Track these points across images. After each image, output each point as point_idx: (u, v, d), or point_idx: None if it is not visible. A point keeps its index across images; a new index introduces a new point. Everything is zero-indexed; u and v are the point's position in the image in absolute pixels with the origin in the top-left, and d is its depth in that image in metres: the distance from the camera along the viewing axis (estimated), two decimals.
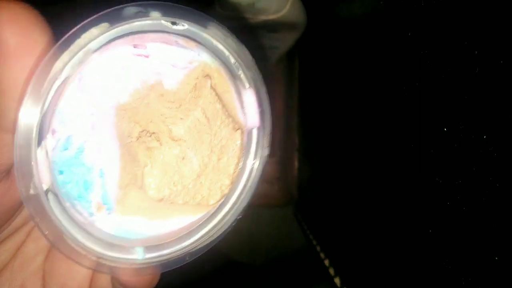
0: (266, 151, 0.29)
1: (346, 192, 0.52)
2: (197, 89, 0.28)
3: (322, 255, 0.62)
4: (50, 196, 0.23)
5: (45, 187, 0.23)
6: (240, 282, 0.80)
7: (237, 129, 0.29)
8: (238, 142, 0.29)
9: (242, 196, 0.29)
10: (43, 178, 0.23)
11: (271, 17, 0.60)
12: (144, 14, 0.24)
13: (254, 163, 0.29)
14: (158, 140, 0.28)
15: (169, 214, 0.29)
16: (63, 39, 0.22)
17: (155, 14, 0.24)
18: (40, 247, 0.29)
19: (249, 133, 0.28)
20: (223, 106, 0.28)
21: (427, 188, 0.30)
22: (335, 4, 0.55)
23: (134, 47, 0.26)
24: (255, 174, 0.29)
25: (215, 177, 0.29)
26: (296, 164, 0.85)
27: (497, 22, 0.22)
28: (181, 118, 0.28)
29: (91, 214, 0.26)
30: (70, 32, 0.22)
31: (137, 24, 0.24)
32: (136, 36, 0.24)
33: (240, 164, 0.29)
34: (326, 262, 0.60)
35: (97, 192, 0.26)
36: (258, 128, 0.28)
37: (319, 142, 0.68)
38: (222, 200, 0.29)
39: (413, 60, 0.31)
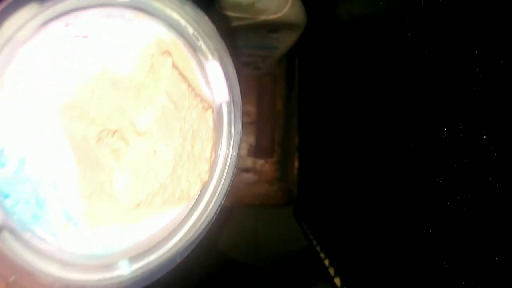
0: (240, 126, 0.26)
1: (346, 192, 0.52)
2: (155, 70, 0.24)
3: (322, 255, 0.62)
4: (5, 235, 0.20)
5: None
6: (240, 282, 0.80)
7: (207, 109, 0.26)
8: (210, 122, 0.26)
9: (223, 180, 0.26)
10: None
11: (271, 17, 0.60)
12: None
13: (230, 142, 0.26)
14: (123, 139, 0.24)
15: (146, 216, 0.25)
16: None
17: None
18: None
19: (219, 109, 0.26)
20: (189, 85, 0.25)
21: (427, 188, 0.30)
22: (335, 4, 0.54)
23: (66, 26, 0.20)
24: (233, 153, 0.26)
25: (192, 166, 0.26)
26: (296, 164, 0.85)
27: (497, 22, 0.22)
28: (143, 108, 0.24)
29: (55, 235, 0.22)
30: None
31: (66, 3, 0.19)
32: (71, 14, 0.20)
33: (218, 147, 0.26)
34: (326, 262, 0.60)
35: (54, 208, 0.22)
36: (228, 103, 0.26)
37: (319, 142, 0.68)
38: (201, 189, 0.26)
39: (413, 60, 0.31)
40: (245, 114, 0.85)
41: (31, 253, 0.20)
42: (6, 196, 0.21)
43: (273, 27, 0.64)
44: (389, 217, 0.38)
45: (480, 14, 0.24)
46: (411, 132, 0.33)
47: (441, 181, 0.28)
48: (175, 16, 0.23)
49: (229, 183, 0.26)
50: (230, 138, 0.26)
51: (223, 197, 0.26)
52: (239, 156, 0.26)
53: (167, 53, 0.24)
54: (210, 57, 0.24)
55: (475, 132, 0.24)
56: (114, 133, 0.24)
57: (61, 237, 0.22)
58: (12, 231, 0.20)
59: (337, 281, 0.54)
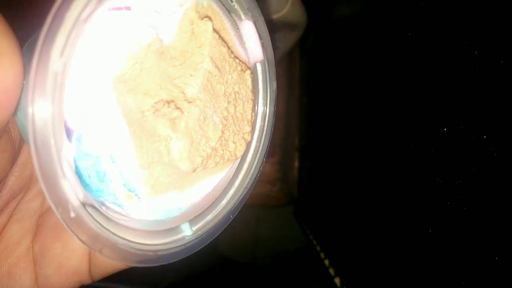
0: (274, 84, 0.27)
1: (346, 192, 0.52)
2: (196, 35, 0.24)
3: (322, 255, 0.62)
4: (91, 211, 0.20)
5: (81, 202, 0.19)
6: (240, 282, 0.80)
7: (246, 70, 0.26)
8: (249, 83, 0.26)
9: (263, 138, 0.27)
10: (78, 193, 0.19)
11: (271, 17, 0.60)
12: None
13: (266, 101, 0.26)
14: (177, 108, 0.24)
15: (199, 179, 0.26)
16: (51, 16, 0.17)
17: None
18: (26, 228, 0.26)
19: (254, 69, 0.26)
20: (228, 48, 0.25)
21: (427, 188, 0.30)
22: (335, 4, 0.54)
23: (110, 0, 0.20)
24: (270, 111, 0.27)
25: (236, 127, 0.26)
26: (296, 164, 0.85)
27: (497, 22, 0.22)
28: (191, 75, 0.24)
29: (121, 206, 0.23)
30: (57, 6, 0.17)
31: None
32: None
33: (255, 106, 0.26)
34: (326, 262, 0.60)
35: (116, 180, 0.23)
36: (262, 62, 0.26)
37: (319, 142, 0.68)
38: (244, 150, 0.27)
39: (413, 60, 0.31)
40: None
41: (109, 224, 0.21)
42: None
43: (273, 27, 0.64)
44: (389, 217, 0.38)
45: (480, 14, 0.24)
46: (411, 132, 0.33)
47: (441, 181, 0.28)
48: None
49: (269, 141, 0.27)
50: (266, 96, 0.27)
51: (265, 154, 0.27)
52: (275, 113, 0.27)
53: (208, 18, 0.24)
54: (243, 17, 0.25)
55: (475, 132, 0.24)
56: (169, 103, 0.23)
57: (128, 207, 0.23)
58: (93, 206, 0.21)
59: (337, 281, 0.54)
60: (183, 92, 0.24)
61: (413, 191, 0.33)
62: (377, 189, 0.40)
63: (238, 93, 0.26)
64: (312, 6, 0.64)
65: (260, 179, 0.28)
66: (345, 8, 0.51)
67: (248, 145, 0.27)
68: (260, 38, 0.25)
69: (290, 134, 0.86)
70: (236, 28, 0.25)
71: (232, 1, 0.24)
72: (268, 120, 0.27)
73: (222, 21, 0.25)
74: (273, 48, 0.26)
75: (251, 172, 0.27)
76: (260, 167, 0.27)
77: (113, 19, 0.21)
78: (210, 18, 0.24)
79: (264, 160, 0.27)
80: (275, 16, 0.60)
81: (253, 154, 0.27)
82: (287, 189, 0.88)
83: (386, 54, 0.37)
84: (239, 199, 0.27)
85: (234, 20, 0.25)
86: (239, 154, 0.27)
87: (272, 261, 0.86)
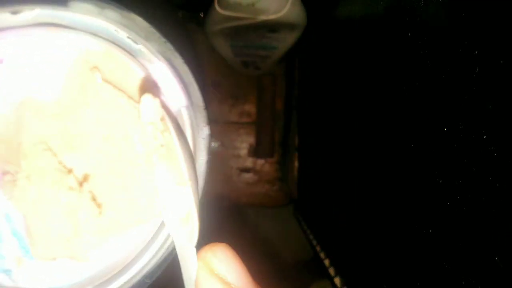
0: (206, 131, 0.23)
1: (346, 192, 0.52)
2: (86, 88, 0.21)
3: (322, 255, 0.62)
4: None
5: None
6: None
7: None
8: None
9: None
10: None
11: (271, 17, 0.60)
12: None
13: (195, 150, 0.23)
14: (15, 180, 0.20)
15: (110, 238, 0.22)
16: None
17: None
18: None
19: (179, 115, 0.23)
20: (129, 97, 0.21)
21: (427, 188, 0.30)
22: (335, 4, 0.54)
23: None
24: (200, 164, 0.23)
25: (152, 183, 0.23)
26: (296, 164, 0.85)
27: (497, 22, 0.22)
28: (79, 136, 0.21)
29: (8, 272, 0.20)
30: None
31: None
32: None
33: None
34: (326, 262, 0.60)
35: (9, 242, 0.21)
36: (187, 107, 0.22)
37: (319, 142, 0.68)
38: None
39: (413, 60, 0.31)
40: (245, 114, 0.85)
41: None
42: None
43: (273, 27, 0.64)
44: (389, 217, 0.38)
45: (480, 14, 0.24)
46: (411, 132, 0.32)
47: (441, 181, 0.28)
48: (99, 22, 0.19)
49: (202, 192, 0.23)
50: (196, 145, 0.23)
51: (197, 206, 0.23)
52: (210, 162, 0.23)
53: (96, 68, 0.20)
54: (154, 59, 0.21)
55: (475, 132, 0.24)
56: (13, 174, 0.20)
57: (17, 274, 0.21)
58: None
59: (337, 281, 0.54)
60: (60, 162, 0.21)
61: (413, 191, 0.33)
62: (377, 189, 0.40)
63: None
64: (312, 6, 0.64)
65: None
66: (345, 8, 0.51)
67: None
68: (179, 81, 0.21)
69: (290, 134, 0.86)
70: (148, 73, 0.21)
71: (136, 43, 0.20)
72: (199, 170, 0.23)
73: (128, 66, 0.21)
74: (199, 90, 0.22)
75: (170, 240, 0.23)
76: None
77: None
78: (98, 69, 0.20)
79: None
80: (275, 16, 0.60)
81: None
82: (286, 189, 0.88)
83: (386, 54, 0.37)
84: (160, 260, 0.23)
85: (143, 64, 0.21)
86: (158, 210, 0.23)
87: (272, 261, 0.86)
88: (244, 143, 0.87)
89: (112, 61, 0.21)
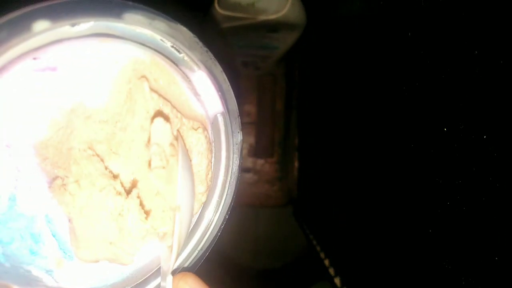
0: (239, 137, 0.24)
1: (346, 192, 0.52)
2: (132, 96, 0.21)
3: (322, 255, 0.62)
4: None
5: None
6: (239, 282, 0.80)
7: (198, 127, 0.23)
8: (203, 140, 0.23)
9: (226, 191, 0.24)
10: None
11: (271, 17, 0.60)
12: (24, 27, 0.17)
13: (229, 156, 0.24)
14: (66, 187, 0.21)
15: (144, 240, 0.23)
16: None
17: (40, 24, 0.17)
18: None
19: (214, 121, 0.23)
20: (173, 107, 0.22)
21: (427, 188, 0.30)
22: (335, 4, 0.54)
23: (34, 59, 0.19)
24: (233, 167, 0.24)
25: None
26: (296, 164, 0.85)
27: (497, 22, 0.22)
28: (123, 142, 0.22)
29: (50, 272, 0.21)
30: None
31: (14, 50, 0.17)
32: (39, 50, 0.17)
33: (212, 164, 0.24)
34: (326, 262, 0.60)
35: (50, 243, 0.21)
36: (223, 114, 0.23)
37: (319, 142, 0.68)
38: (200, 210, 0.24)
39: (413, 60, 0.31)
40: (245, 114, 0.85)
41: None
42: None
43: (273, 27, 0.64)
44: (389, 217, 0.38)
45: (480, 14, 0.24)
46: (411, 132, 0.32)
47: (441, 181, 0.28)
48: (147, 32, 0.20)
49: (233, 196, 0.25)
50: (229, 150, 0.24)
51: (227, 211, 0.25)
52: (241, 166, 0.25)
53: (144, 77, 0.21)
54: (195, 68, 0.22)
55: (475, 132, 0.24)
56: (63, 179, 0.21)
57: (58, 274, 0.21)
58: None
59: (337, 281, 0.54)
60: (105, 167, 0.22)
61: (413, 191, 0.33)
62: (377, 189, 0.40)
63: (189, 153, 0.24)
64: (312, 6, 0.64)
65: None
66: (345, 8, 0.51)
67: (206, 204, 0.24)
68: (217, 89, 0.22)
69: (290, 134, 0.86)
70: (189, 80, 0.22)
71: (180, 52, 0.21)
72: (231, 173, 0.24)
73: (171, 74, 0.22)
74: (234, 97, 0.23)
75: (209, 232, 0.24)
76: (221, 226, 0.24)
77: (37, 81, 0.19)
78: (146, 77, 0.21)
79: (227, 216, 0.24)
80: (275, 16, 0.60)
81: (213, 212, 0.24)
82: (286, 188, 0.88)
83: (386, 54, 0.37)
84: (192, 262, 0.24)
85: (184, 72, 0.22)
86: (194, 212, 0.24)
87: (272, 261, 0.86)
88: (244, 143, 0.87)
89: (157, 70, 0.22)
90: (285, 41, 0.70)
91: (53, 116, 0.20)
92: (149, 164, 0.21)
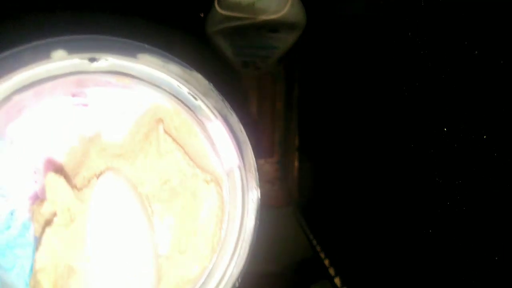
0: (255, 194, 0.22)
1: (346, 192, 0.52)
2: (149, 137, 0.22)
3: (322, 255, 0.62)
4: None
5: None
6: (240, 282, 0.80)
7: (210, 181, 0.22)
8: (215, 196, 0.22)
9: (235, 259, 0.22)
10: None
11: (271, 17, 0.60)
12: (43, 56, 0.18)
13: (243, 215, 0.22)
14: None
15: None
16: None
17: (58, 53, 0.18)
18: None
19: (230, 175, 0.22)
20: (185, 154, 0.22)
21: (427, 188, 0.30)
22: (335, 4, 0.54)
23: (73, 96, 0.21)
24: (247, 229, 0.22)
25: (191, 247, 0.22)
26: (296, 164, 0.85)
27: (497, 22, 0.22)
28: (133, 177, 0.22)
29: None
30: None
31: (33, 72, 0.18)
32: (46, 85, 0.18)
33: (224, 224, 0.22)
34: (326, 262, 0.60)
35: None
36: (239, 167, 0.22)
37: (319, 142, 0.68)
38: (204, 276, 0.22)
39: (413, 60, 0.31)
40: (245, 114, 0.85)
41: None
42: (2, 256, 0.20)
43: (273, 27, 0.64)
44: (389, 217, 0.38)
45: (480, 14, 0.24)
46: (411, 132, 0.32)
47: (441, 181, 0.28)
48: (163, 76, 0.20)
49: (244, 264, 0.22)
50: (244, 208, 0.22)
51: (235, 283, 0.22)
52: (256, 229, 0.22)
53: (161, 120, 0.22)
54: (211, 117, 0.21)
55: (475, 132, 0.24)
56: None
57: None
58: None
59: (337, 281, 0.54)
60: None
61: (413, 191, 0.33)
62: (377, 189, 0.40)
63: (195, 208, 0.22)
64: (312, 6, 0.64)
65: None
66: (345, 8, 0.51)
67: (213, 269, 0.22)
68: (234, 139, 0.22)
69: (290, 134, 0.86)
70: (205, 129, 0.22)
71: (196, 99, 0.21)
72: (244, 238, 0.22)
73: (191, 125, 0.22)
74: (252, 150, 0.22)
75: None
76: None
77: (69, 111, 0.21)
78: (163, 121, 0.22)
79: (237, 285, 0.22)
80: (275, 16, 0.60)
81: (218, 280, 0.22)
82: (287, 188, 0.87)
83: (386, 54, 0.37)
84: None
85: (201, 121, 0.21)
86: (193, 277, 0.22)
87: (272, 261, 0.86)
88: None
89: (178, 120, 0.22)
90: (285, 41, 0.70)
91: (72, 143, 0.21)
92: (47, 223, 0.20)
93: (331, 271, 0.57)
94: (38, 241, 0.20)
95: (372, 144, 0.41)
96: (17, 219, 0.20)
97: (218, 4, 0.59)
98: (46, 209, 0.20)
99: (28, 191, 0.21)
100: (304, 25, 0.66)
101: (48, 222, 0.20)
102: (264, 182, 0.88)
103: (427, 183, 0.30)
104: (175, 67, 0.20)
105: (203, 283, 0.22)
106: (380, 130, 0.39)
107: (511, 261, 0.22)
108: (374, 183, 0.41)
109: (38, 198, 0.21)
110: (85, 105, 0.21)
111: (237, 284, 0.22)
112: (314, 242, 0.68)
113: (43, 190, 0.21)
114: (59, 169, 0.21)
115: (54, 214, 0.20)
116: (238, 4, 0.59)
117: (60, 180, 0.20)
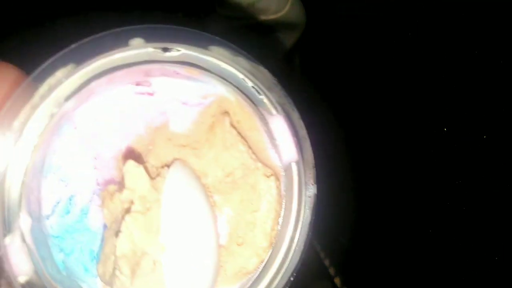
0: (312, 190, 0.23)
1: (346, 192, 0.52)
2: (214, 129, 0.22)
3: (322, 255, 0.62)
4: None
5: (22, 280, 0.18)
6: (294, 276, 0.80)
7: (270, 175, 0.22)
8: (273, 191, 0.22)
9: (292, 251, 0.22)
10: (19, 270, 0.18)
11: (271, 17, 0.60)
12: (121, 44, 0.19)
13: (299, 209, 0.22)
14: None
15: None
16: (21, 87, 0.18)
17: (136, 41, 0.19)
18: None
19: (288, 170, 0.22)
20: (249, 147, 0.22)
21: (427, 188, 0.30)
22: (335, 4, 0.54)
23: (137, 85, 0.21)
24: (303, 223, 0.22)
25: (249, 240, 0.22)
26: None
27: (497, 22, 0.22)
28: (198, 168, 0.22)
29: None
30: (30, 78, 0.18)
31: (111, 59, 0.19)
32: (120, 72, 0.19)
33: (280, 219, 0.22)
34: (326, 262, 0.60)
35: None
36: (297, 162, 0.22)
37: (319, 141, 0.68)
38: (260, 268, 0.22)
39: (413, 60, 0.31)
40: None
41: None
42: (61, 239, 0.20)
43: (273, 27, 0.64)
44: (389, 217, 0.38)
45: (480, 14, 0.24)
46: (411, 132, 0.33)
47: (441, 181, 0.28)
48: (231, 69, 0.20)
49: (300, 256, 0.22)
50: (300, 203, 0.22)
51: (292, 273, 0.22)
52: (312, 224, 0.22)
53: (227, 113, 0.22)
54: (273, 111, 0.21)
55: (475, 132, 0.24)
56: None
57: None
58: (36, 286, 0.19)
59: (337, 281, 0.54)
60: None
61: (413, 191, 0.33)
62: (377, 189, 0.40)
63: (255, 201, 0.22)
64: (312, 6, 0.64)
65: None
66: (345, 8, 0.51)
67: (269, 262, 0.22)
68: (294, 135, 0.22)
69: None
70: (266, 123, 0.22)
71: (260, 94, 0.21)
72: (300, 233, 0.22)
73: (251, 117, 0.22)
74: (310, 146, 0.22)
75: None
76: None
77: (134, 100, 0.21)
78: (229, 114, 0.22)
79: (292, 279, 0.22)
80: (275, 16, 0.60)
81: (274, 274, 0.22)
82: None
83: (386, 54, 0.37)
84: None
85: (263, 115, 0.21)
86: (250, 269, 0.22)
87: None
88: None
89: (241, 112, 0.22)
90: (285, 41, 0.70)
91: (139, 132, 0.21)
92: (126, 211, 0.21)
93: (331, 271, 0.57)
94: (108, 228, 0.21)
95: (372, 143, 0.41)
96: (76, 204, 0.21)
97: (218, 4, 0.59)
98: (125, 197, 0.20)
99: (88, 177, 0.21)
100: (304, 25, 0.66)
101: (127, 210, 0.20)
102: None
103: (427, 183, 0.30)
104: (243, 61, 0.20)
105: (259, 275, 0.22)
106: (380, 130, 0.39)
107: (511, 261, 0.22)
108: (374, 182, 0.41)
109: (107, 185, 0.21)
110: (151, 94, 0.21)
111: (291, 278, 0.23)
112: (314, 242, 0.68)
113: (109, 177, 0.21)
114: (137, 158, 0.21)
115: (131, 202, 0.20)
116: (238, 4, 0.59)
117: (140, 168, 0.20)
